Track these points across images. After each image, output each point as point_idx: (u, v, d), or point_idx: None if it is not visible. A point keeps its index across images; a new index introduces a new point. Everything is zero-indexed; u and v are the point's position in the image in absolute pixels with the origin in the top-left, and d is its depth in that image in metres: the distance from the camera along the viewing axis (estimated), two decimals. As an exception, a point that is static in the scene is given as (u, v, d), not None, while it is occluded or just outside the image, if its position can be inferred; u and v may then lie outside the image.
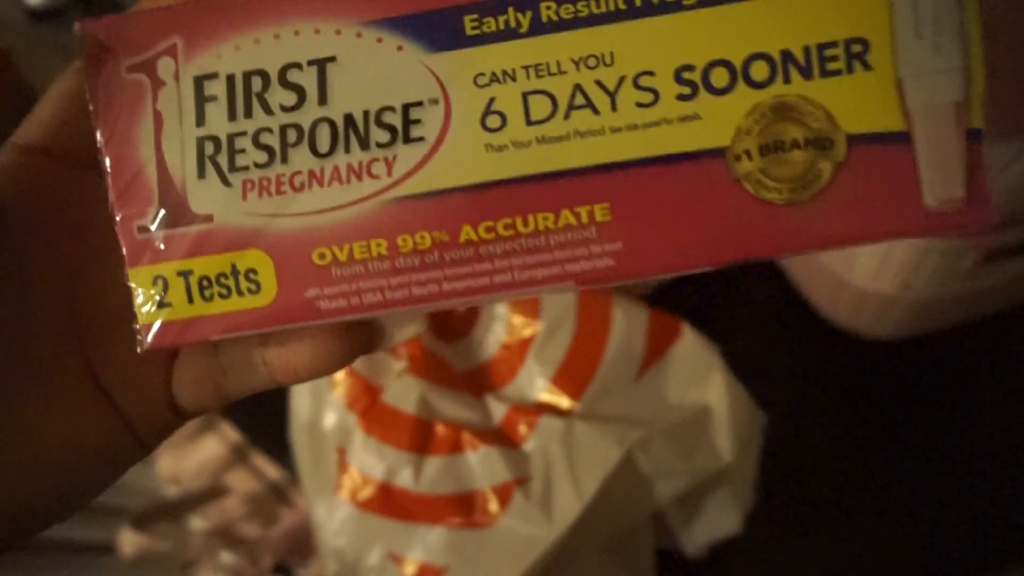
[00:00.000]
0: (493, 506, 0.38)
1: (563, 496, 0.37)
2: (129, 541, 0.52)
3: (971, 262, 0.38)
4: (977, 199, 0.16)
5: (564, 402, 0.40)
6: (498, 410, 0.40)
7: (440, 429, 0.39)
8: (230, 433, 0.53)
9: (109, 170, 0.18)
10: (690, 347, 0.40)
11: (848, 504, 0.45)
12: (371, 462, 0.41)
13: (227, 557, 0.51)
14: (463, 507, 0.38)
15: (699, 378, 0.40)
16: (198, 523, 0.53)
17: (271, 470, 0.54)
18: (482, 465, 0.39)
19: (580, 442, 0.38)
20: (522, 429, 0.39)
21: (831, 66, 0.16)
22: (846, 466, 0.46)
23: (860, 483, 0.45)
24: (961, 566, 0.43)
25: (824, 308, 0.46)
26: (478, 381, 0.41)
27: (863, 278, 0.40)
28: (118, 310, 0.19)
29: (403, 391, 0.40)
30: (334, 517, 0.41)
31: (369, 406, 0.41)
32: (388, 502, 0.40)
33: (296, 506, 0.53)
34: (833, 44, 0.16)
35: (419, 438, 0.40)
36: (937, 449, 0.45)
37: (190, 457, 0.53)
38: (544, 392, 0.40)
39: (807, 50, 0.16)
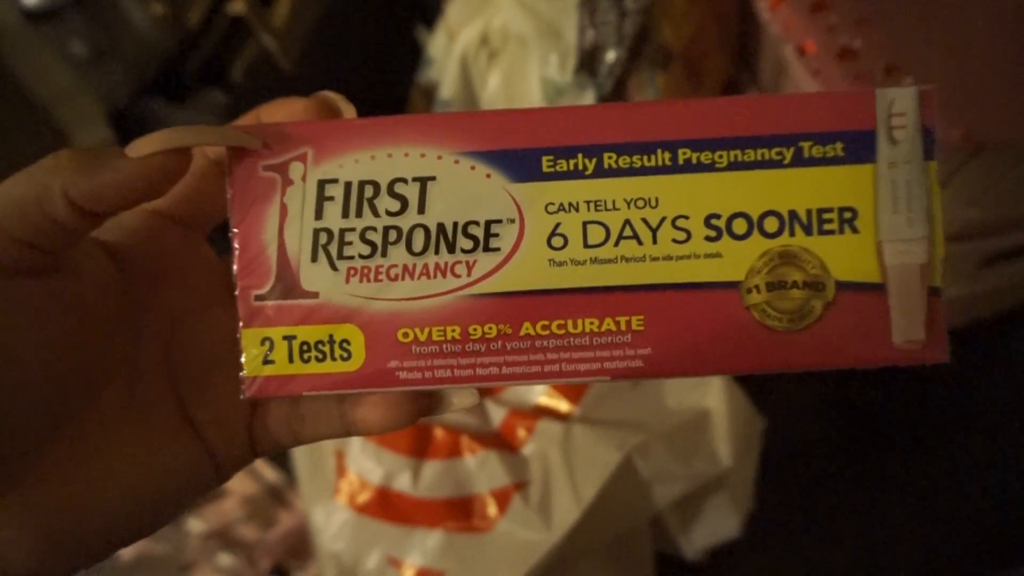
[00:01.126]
0: (492, 510, 0.39)
1: (562, 500, 0.38)
2: (126, 543, 0.53)
3: (971, 266, 0.39)
4: (934, 341, 0.21)
5: (563, 406, 0.41)
6: (497, 414, 0.41)
7: (439, 433, 0.41)
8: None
9: (237, 247, 0.21)
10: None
11: (847, 507, 0.45)
12: (369, 466, 0.42)
13: (225, 559, 0.52)
14: (461, 511, 0.40)
15: (698, 382, 0.41)
16: (196, 525, 0.53)
17: (269, 472, 0.55)
18: (481, 469, 0.40)
19: (579, 446, 0.39)
20: (521, 433, 0.40)
21: (827, 227, 0.21)
22: (845, 470, 0.46)
23: (859, 486, 0.46)
24: (959, 568, 0.44)
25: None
26: (477, 385, 0.43)
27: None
28: (212, 358, 0.23)
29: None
30: (332, 521, 0.42)
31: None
32: (386, 506, 0.41)
33: (294, 508, 0.53)
34: (830, 210, 0.21)
35: (417, 442, 0.41)
36: (935, 452, 0.46)
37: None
38: (543, 396, 0.41)
39: (809, 212, 0.21)
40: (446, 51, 0.61)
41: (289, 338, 0.21)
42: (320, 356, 0.21)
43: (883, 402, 0.48)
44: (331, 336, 0.21)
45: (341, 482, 0.42)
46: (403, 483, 0.41)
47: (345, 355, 0.21)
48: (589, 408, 0.41)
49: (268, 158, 0.21)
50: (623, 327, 0.21)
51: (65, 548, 0.20)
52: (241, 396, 0.21)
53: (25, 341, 0.19)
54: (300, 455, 0.46)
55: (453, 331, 0.21)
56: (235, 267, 0.21)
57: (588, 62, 0.54)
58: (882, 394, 0.48)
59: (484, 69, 0.59)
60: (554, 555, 0.38)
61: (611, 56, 0.53)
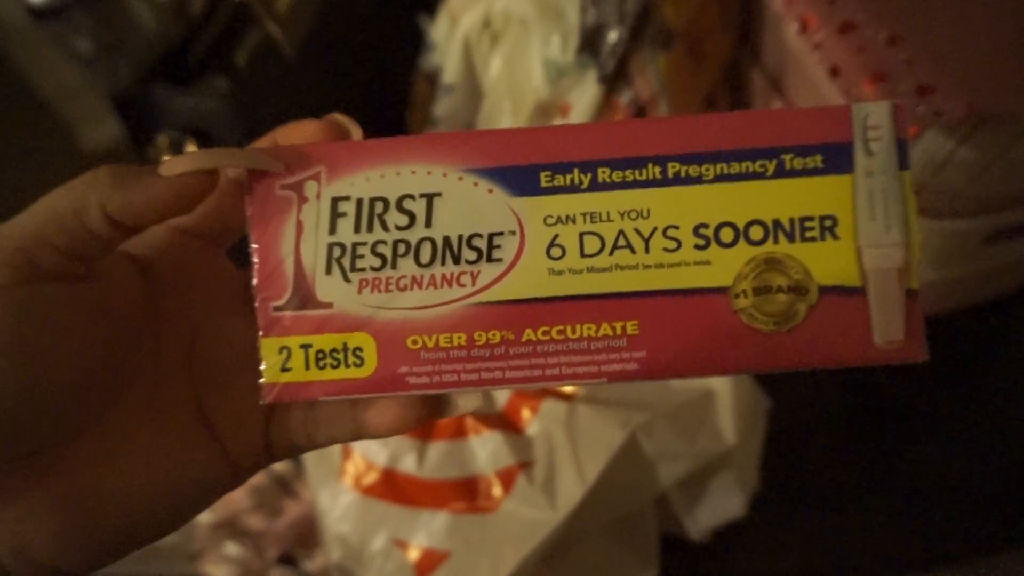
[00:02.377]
0: (497, 491, 0.40)
1: (566, 480, 0.38)
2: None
3: (974, 243, 0.39)
4: (913, 340, 0.22)
5: (567, 386, 0.41)
6: (501, 395, 0.42)
7: (443, 415, 0.42)
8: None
9: (256, 261, 0.23)
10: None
11: (852, 487, 0.46)
12: (374, 448, 0.42)
13: (232, 549, 0.53)
14: (467, 492, 0.40)
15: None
16: (203, 515, 0.53)
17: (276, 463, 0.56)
18: (485, 450, 0.40)
19: (583, 426, 0.39)
20: (525, 413, 0.41)
21: (809, 234, 0.22)
22: (850, 448, 0.47)
23: (864, 465, 0.46)
24: (964, 547, 0.44)
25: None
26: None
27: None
28: (230, 364, 0.24)
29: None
30: (338, 503, 0.43)
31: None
32: (392, 488, 0.41)
33: (301, 498, 0.54)
34: (811, 218, 0.22)
35: (422, 424, 0.43)
36: (940, 430, 0.46)
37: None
38: (547, 377, 0.42)
39: (792, 221, 0.22)
40: (448, 36, 0.61)
41: (305, 346, 0.23)
42: (335, 363, 0.23)
43: (887, 382, 0.49)
44: (345, 344, 0.23)
45: (347, 464, 0.43)
46: (408, 464, 0.41)
47: (358, 362, 0.23)
48: (593, 388, 0.41)
49: (285, 178, 0.23)
50: (619, 332, 0.22)
51: (86, 543, 0.21)
52: (261, 402, 0.23)
53: (58, 342, 0.20)
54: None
55: (459, 338, 0.23)
56: (254, 280, 0.23)
57: (590, 42, 0.54)
58: (886, 374, 0.47)
59: (487, 52, 0.60)
60: (559, 534, 0.38)
61: (613, 36, 0.53)
